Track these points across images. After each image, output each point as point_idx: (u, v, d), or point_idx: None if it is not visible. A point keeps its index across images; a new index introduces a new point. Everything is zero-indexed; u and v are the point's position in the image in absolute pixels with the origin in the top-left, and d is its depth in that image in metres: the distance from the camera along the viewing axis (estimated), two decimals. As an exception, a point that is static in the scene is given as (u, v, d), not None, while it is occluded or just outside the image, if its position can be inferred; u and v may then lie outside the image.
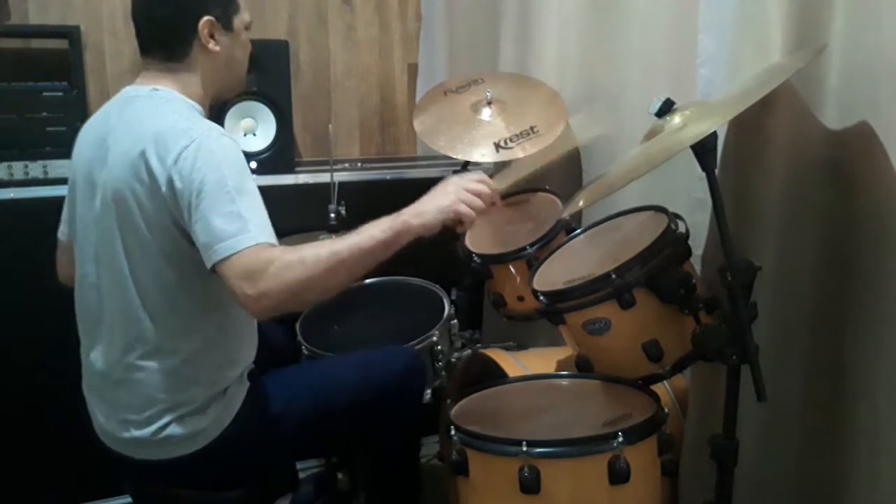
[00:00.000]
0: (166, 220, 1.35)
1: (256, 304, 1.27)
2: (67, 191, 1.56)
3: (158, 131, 1.36)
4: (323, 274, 1.29)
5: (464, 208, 1.40)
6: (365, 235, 1.34)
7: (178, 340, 1.41)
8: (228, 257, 1.27)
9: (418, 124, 2.07)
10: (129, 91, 1.48)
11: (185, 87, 1.47)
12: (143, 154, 1.35)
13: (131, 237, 1.38)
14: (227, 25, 1.49)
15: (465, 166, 2.27)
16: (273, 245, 1.30)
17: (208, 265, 1.30)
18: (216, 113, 2.17)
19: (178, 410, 1.41)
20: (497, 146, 1.95)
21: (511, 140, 1.96)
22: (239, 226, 1.28)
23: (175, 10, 1.45)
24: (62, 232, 1.61)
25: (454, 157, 1.98)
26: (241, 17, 1.52)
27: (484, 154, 1.95)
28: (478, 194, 1.42)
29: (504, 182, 1.62)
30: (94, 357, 1.47)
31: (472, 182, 1.44)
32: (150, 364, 1.41)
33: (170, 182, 1.32)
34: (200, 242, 1.31)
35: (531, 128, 1.97)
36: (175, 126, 1.36)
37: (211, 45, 1.46)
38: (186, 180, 1.31)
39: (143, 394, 1.42)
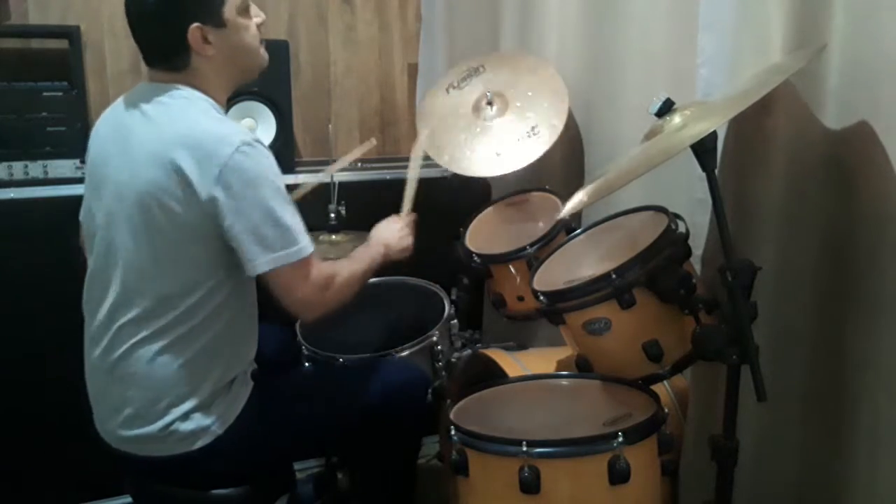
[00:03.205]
0: (203, 226, 1.35)
1: (316, 310, 1.48)
2: (86, 182, 1.53)
3: (192, 136, 1.35)
4: (353, 294, 1.54)
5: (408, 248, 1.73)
6: (368, 259, 1.60)
7: (189, 338, 1.42)
8: (301, 260, 1.40)
9: (423, 136, 2.07)
10: (150, 88, 1.45)
11: (199, 87, 1.45)
12: (175, 159, 1.34)
13: (160, 241, 1.38)
14: (217, 23, 1.42)
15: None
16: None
17: (264, 269, 1.38)
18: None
19: (184, 406, 1.42)
20: (498, 154, 1.96)
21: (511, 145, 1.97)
22: (298, 234, 1.40)
23: (160, 29, 1.41)
24: (82, 215, 1.57)
25: (458, 172, 2.01)
26: (231, 4, 1.43)
27: (487, 168, 1.96)
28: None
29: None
30: (100, 353, 1.46)
31: (406, 232, 1.74)
32: (159, 359, 1.41)
33: (212, 191, 1.33)
34: (249, 251, 1.37)
35: (532, 128, 1.98)
36: (210, 131, 1.36)
37: (208, 49, 1.42)
38: (227, 195, 1.33)
39: (149, 389, 1.42)
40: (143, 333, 1.41)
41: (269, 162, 1.40)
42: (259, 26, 1.51)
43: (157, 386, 1.42)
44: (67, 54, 2.21)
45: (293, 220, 1.40)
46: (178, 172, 1.34)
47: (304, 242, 1.41)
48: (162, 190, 1.35)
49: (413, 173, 1.92)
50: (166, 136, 1.37)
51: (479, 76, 2.11)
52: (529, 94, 2.03)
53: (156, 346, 1.41)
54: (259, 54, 1.52)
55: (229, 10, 1.43)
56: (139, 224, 1.39)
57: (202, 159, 1.33)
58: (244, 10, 1.47)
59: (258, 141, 1.39)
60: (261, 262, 1.38)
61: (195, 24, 1.39)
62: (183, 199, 1.34)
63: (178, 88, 1.43)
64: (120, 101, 1.50)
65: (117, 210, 1.42)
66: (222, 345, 1.44)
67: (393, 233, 1.72)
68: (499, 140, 1.99)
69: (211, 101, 1.45)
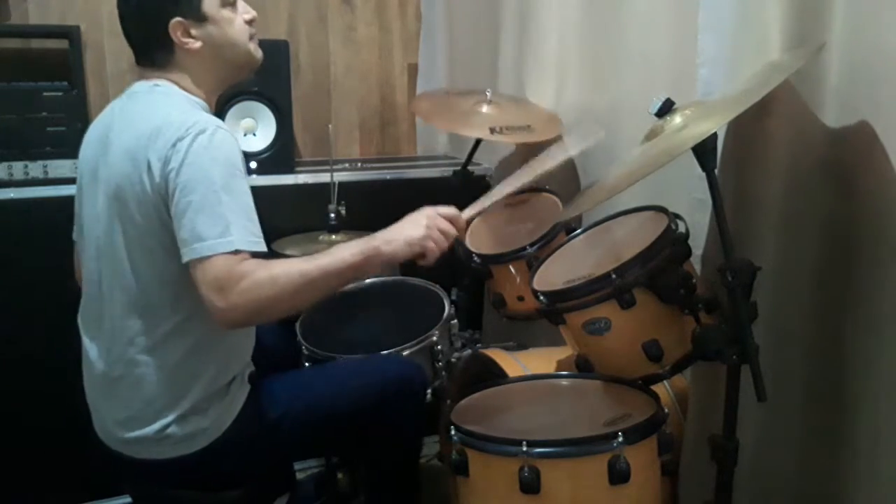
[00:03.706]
0: (165, 213, 1.35)
1: (223, 315, 1.30)
2: (76, 190, 1.55)
3: (157, 126, 1.35)
4: (291, 294, 1.33)
5: (431, 245, 1.44)
6: (336, 258, 1.38)
7: (180, 334, 1.41)
8: (203, 259, 1.29)
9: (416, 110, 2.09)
10: (137, 86, 1.48)
11: (184, 84, 1.46)
12: (144, 150, 1.35)
13: (132, 232, 1.38)
14: (198, 17, 1.42)
15: (465, 166, 2.27)
16: (250, 254, 1.31)
17: (183, 260, 1.31)
18: (216, 114, 2.17)
19: (180, 408, 1.41)
20: (492, 130, 1.96)
21: (506, 129, 1.97)
22: (220, 229, 1.29)
23: (141, 24, 1.43)
24: (75, 233, 1.60)
25: (449, 130, 2.01)
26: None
27: (479, 132, 1.98)
28: (446, 233, 1.47)
29: (472, 210, 1.61)
30: (96, 354, 1.46)
31: (444, 220, 1.47)
32: (153, 359, 1.41)
33: (163, 175, 1.33)
34: (180, 237, 1.31)
35: (527, 126, 1.98)
36: (171, 119, 1.36)
37: (190, 43, 1.43)
38: (175, 173, 1.31)
39: (146, 390, 1.42)
40: (130, 334, 1.41)
41: (226, 150, 1.35)
42: (250, 22, 1.50)
43: (150, 387, 1.41)
44: (67, 54, 2.22)
45: (227, 211, 1.30)
46: (145, 163, 1.34)
47: (212, 239, 1.29)
48: (132, 183, 1.36)
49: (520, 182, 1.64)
50: (139, 132, 1.37)
51: (479, 94, 2.12)
52: (528, 110, 2.07)
53: (145, 347, 1.41)
54: (247, 49, 1.51)
55: (210, 5, 1.44)
56: (117, 221, 1.39)
57: (158, 146, 1.33)
58: (228, 4, 1.47)
59: (221, 128, 1.36)
60: (183, 250, 1.31)
61: (176, 19, 1.41)
62: (148, 187, 1.34)
63: (159, 85, 1.45)
64: (108, 107, 1.51)
65: (102, 209, 1.42)
66: (213, 344, 1.43)
67: (410, 224, 1.46)
68: (494, 120, 2.00)
69: (192, 97, 1.46)
